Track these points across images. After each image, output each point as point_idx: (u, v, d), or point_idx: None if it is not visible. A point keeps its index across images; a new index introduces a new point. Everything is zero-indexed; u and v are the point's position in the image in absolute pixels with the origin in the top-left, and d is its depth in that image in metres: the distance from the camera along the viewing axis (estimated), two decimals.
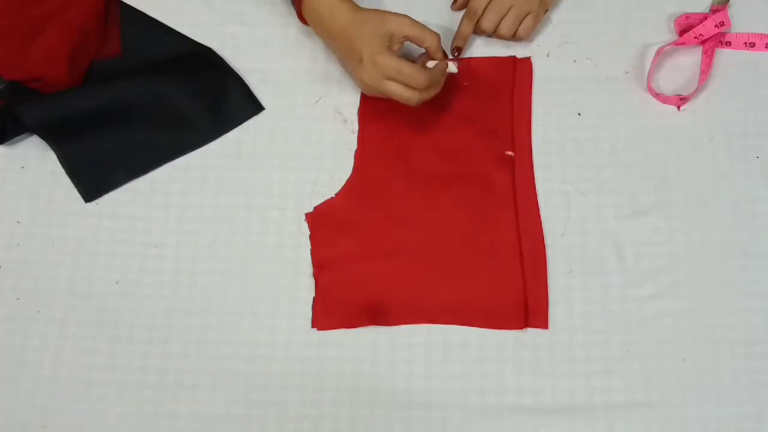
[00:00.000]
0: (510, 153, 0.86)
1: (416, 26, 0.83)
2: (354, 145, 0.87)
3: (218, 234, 0.84)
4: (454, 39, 0.89)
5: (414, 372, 0.79)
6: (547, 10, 0.89)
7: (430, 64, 0.84)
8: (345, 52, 0.83)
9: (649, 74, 0.88)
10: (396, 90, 0.81)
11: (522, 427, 0.76)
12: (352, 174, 0.86)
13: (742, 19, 0.90)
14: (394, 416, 0.77)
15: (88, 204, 0.85)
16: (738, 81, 0.88)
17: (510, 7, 0.87)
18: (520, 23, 0.88)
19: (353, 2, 0.83)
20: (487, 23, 0.88)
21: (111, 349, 0.80)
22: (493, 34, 0.89)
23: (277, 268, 0.83)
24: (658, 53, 0.88)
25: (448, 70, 0.85)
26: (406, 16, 0.82)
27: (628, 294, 0.80)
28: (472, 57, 0.90)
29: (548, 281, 0.81)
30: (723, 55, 0.89)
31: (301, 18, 0.86)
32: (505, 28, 0.88)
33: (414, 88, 0.81)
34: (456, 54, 0.89)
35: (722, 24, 0.87)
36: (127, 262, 0.83)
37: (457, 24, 0.90)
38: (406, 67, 0.80)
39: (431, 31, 0.83)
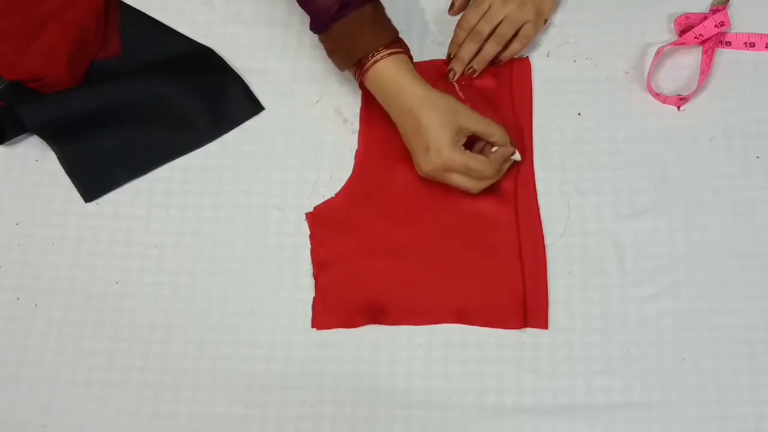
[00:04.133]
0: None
1: (485, 123, 0.81)
2: (354, 145, 0.87)
3: (218, 234, 0.84)
4: (453, 60, 0.88)
5: (414, 372, 0.78)
6: (546, 20, 0.89)
7: (495, 149, 0.83)
8: (411, 133, 0.81)
9: (649, 74, 0.88)
10: (460, 182, 0.81)
11: (522, 427, 0.76)
12: (352, 174, 0.86)
13: (742, 19, 0.90)
14: (394, 416, 0.77)
15: (88, 204, 0.85)
16: (738, 81, 0.88)
17: (503, 18, 0.86)
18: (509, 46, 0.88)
19: (421, 79, 0.81)
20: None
21: (111, 349, 0.80)
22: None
23: (277, 268, 0.83)
24: (658, 53, 0.88)
25: (513, 158, 0.84)
26: (474, 111, 0.81)
27: (628, 294, 0.80)
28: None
29: (548, 281, 0.81)
30: (723, 55, 0.89)
31: (362, 86, 0.84)
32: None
33: (479, 180, 0.81)
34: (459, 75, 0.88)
35: (722, 24, 0.87)
36: (127, 262, 0.83)
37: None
38: (474, 163, 0.79)
39: (497, 125, 0.82)
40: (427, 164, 0.80)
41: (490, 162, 0.81)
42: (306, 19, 0.84)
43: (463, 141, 0.81)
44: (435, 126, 0.79)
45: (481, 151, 0.83)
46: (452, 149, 0.79)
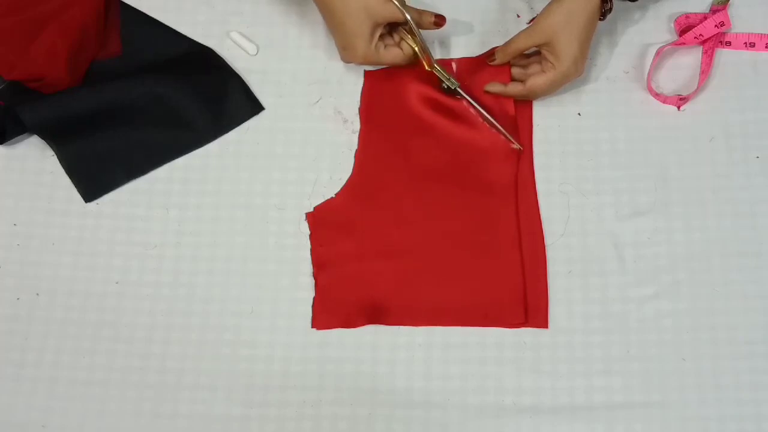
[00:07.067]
0: (516, 146, 0.85)
1: (395, 10, 0.81)
2: (354, 145, 0.87)
3: (218, 234, 0.84)
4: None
5: (414, 372, 0.79)
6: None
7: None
8: (329, 26, 0.83)
9: (649, 74, 0.88)
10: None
11: (522, 427, 0.76)
12: (352, 174, 0.86)
13: (742, 19, 0.90)
14: (394, 416, 0.77)
15: (88, 204, 0.85)
16: (738, 81, 0.88)
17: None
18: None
19: None
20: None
21: (111, 349, 0.80)
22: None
23: (277, 268, 0.83)
24: (658, 53, 0.88)
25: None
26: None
27: (628, 294, 0.80)
28: (467, 57, 0.90)
29: (548, 281, 0.81)
30: (723, 55, 0.89)
31: None
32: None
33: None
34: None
35: (722, 24, 0.87)
36: (127, 262, 0.83)
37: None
38: (389, 59, 0.84)
39: (410, 8, 0.83)
40: (347, 60, 0.85)
41: (404, 55, 0.84)
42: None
43: (379, 33, 0.83)
44: (350, 23, 0.81)
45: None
46: (367, 48, 0.82)
